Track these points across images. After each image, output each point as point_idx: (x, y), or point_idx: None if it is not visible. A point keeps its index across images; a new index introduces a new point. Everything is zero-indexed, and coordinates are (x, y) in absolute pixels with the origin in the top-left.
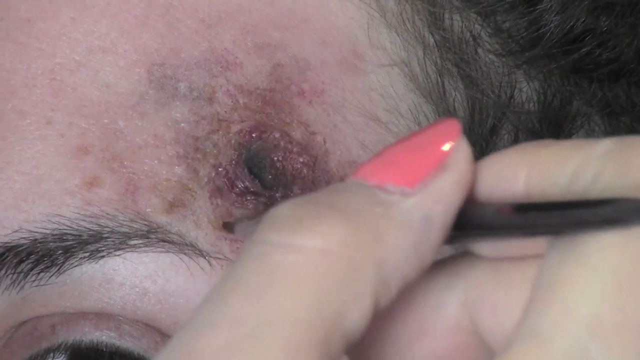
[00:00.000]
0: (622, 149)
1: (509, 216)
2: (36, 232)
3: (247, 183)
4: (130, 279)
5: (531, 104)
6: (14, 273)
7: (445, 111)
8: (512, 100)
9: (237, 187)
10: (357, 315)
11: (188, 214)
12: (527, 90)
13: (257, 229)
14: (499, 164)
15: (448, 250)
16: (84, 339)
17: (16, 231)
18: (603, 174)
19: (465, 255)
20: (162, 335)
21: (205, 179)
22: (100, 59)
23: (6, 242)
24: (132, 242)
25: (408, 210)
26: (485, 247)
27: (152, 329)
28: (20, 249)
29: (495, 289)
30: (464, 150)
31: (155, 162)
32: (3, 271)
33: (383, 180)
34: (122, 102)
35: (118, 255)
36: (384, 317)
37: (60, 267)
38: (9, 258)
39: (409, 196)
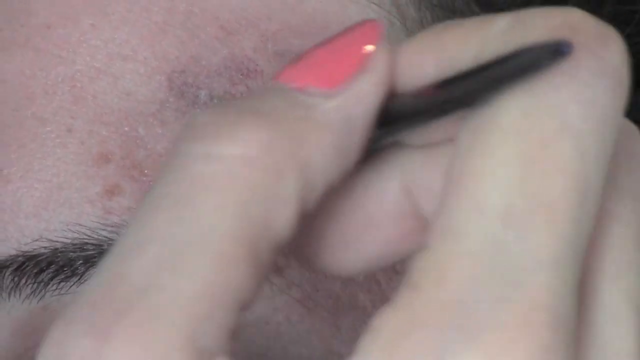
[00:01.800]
0: (520, 24)
1: (427, 98)
2: (56, 242)
3: None
4: None
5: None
6: (34, 282)
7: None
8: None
9: None
10: (282, 220)
11: None
12: None
13: (176, 139)
14: (410, 54)
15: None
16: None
17: (36, 240)
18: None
19: (400, 146)
20: None
21: None
22: (120, 66)
23: (26, 252)
24: None
25: (329, 111)
26: (413, 136)
27: None
28: (41, 258)
29: (428, 173)
30: (384, 51)
31: None
32: (23, 280)
33: (304, 83)
34: (143, 110)
35: None
36: (329, 213)
37: (81, 277)
38: (29, 267)
39: (330, 98)
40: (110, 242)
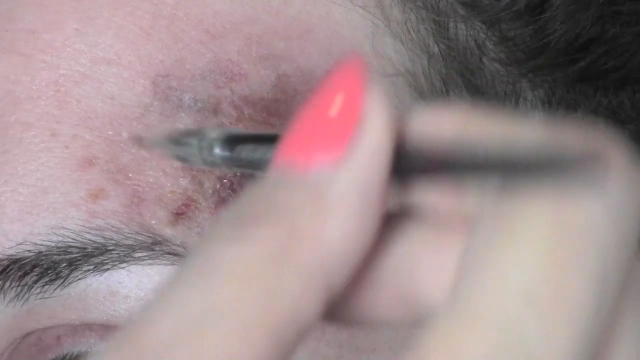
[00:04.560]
0: (553, 138)
1: (442, 159)
2: (41, 245)
3: None
4: (135, 292)
5: (536, 113)
6: (18, 286)
7: None
8: (516, 109)
9: None
10: (308, 306)
11: (193, 226)
12: (531, 99)
13: (203, 233)
14: (427, 121)
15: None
16: (90, 350)
17: (21, 244)
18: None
19: (414, 213)
20: None
21: (210, 191)
22: (104, 70)
23: (11, 255)
24: (137, 255)
25: (341, 192)
26: (420, 196)
27: None
28: (25, 261)
29: (435, 253)
30: (377, 92)
31: (160, 174)
32: (7, 284)
33: (307, 162)
34: (127, 114)
35: (123, 268)
36: None
37: (65, 279)
38: (13, 271)
39: (339, 174)
40: (94, 244)
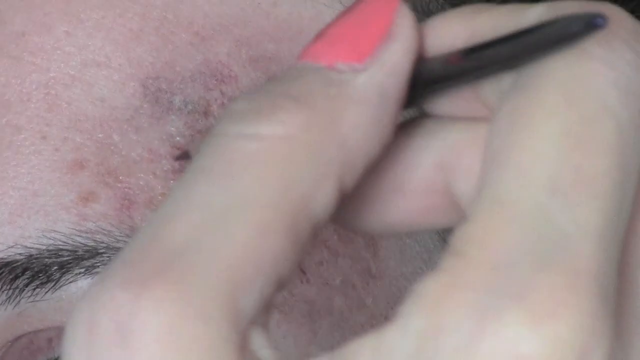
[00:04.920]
0: (555, 12)
1: (458, 63)
2: (32, 248)
3: None
4: None
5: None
6: (9, 289)
7: None
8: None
9: None
10: (322, 197)
11: None
12: None
13: (215, 124)
14: (439, 26)
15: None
16: None
17: (11, 247)
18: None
19: (435, 118)
20: None
21: None
22: (94, 73)
23: (1, 258)
24: None
25: (362, 86)
26: (444, 105)
27: None
28: (16, 264)
29: (468, 151)
30: (407, 16)
31: (151, 176)
32: None
33: (332, 59)
34: (117, 117)
35: None
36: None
37: (56, 282)
38: (4, 274)
39: (361, 72)
40: (85, 247)
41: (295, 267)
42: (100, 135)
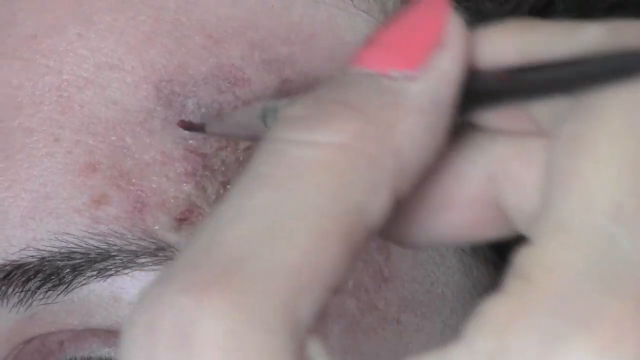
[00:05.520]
0: (615, 32)
1: (511, 79)
2: (44, 251)
3: None
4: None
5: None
6: (21, 291)
7: None
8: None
9: None
10: (377, 205)
11: None
12: None
13: (270, 130)
14: (492, 37)
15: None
16: (92, 355)
17: (24, 249)
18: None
19: (486, 132)
20: None
21: (214, 196)
22: (107, 75)
23: (14, 261)
24: (140, 261)
25: (416, 95)
26: (489, 119)
27: None
28: (28, 267)
29: (520, 164)
30: (458, 24)
31: (164, 179)
32: (11, 289)
33: (384, 67)
34: (130, 119)
35: (126, 273)
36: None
37: (68, 285)
38: (16, 276)
39: (414, 80)
40: (97, 250)
41: (347, 274)
42: (113, 138)
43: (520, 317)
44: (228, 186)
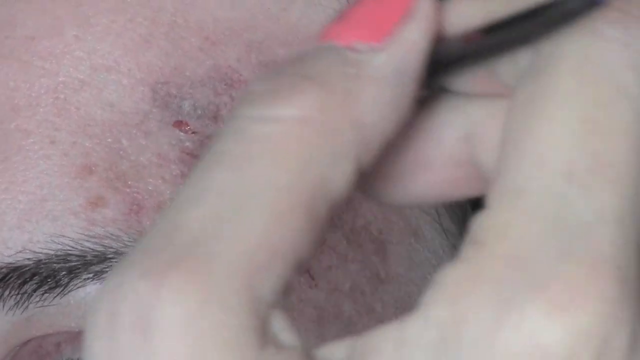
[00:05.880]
0: None
1: (475, 42)
2: (40, 253)
3: None
4: None
5: None
6: (17, 294)
7: None
8: None
9: None
10: (339, 177)
11: None
12: None
13: (233, 107)
14: (457, 9)
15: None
16: None
17: (20, 252)
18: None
19: (457, 94)
20: None
21: None
22: (104, 77)
23: (10, 263)
24: None
25: (379, 65)
26: (461, 83)
27: None
28: (24, 269)
29: (492, 124)
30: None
31: (160, 181)
32: (7, 292)
33: (350, 39)
34: (126, 121)
35: None
36: (387, 150)
37: (64, 288)
38: (12, 279)
39: (379, 51)
40: (93, 252)
41: (314, 248)
42: (109, 140)
43: (473, 284)
44: None
